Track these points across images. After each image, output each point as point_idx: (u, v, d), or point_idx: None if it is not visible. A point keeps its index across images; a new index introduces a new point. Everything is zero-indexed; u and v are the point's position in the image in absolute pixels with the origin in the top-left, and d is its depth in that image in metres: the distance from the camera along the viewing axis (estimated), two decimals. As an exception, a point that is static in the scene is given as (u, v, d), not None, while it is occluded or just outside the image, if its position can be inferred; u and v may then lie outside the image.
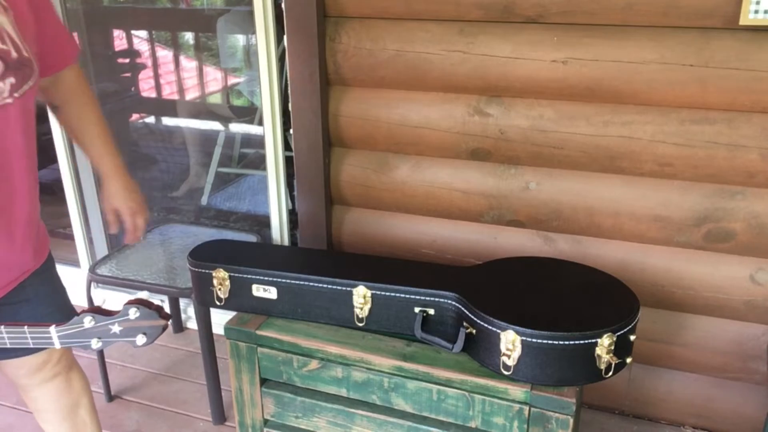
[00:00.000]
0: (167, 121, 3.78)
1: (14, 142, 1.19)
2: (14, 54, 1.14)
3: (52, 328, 0.98)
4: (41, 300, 1.37)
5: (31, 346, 0.99)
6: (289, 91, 2.00)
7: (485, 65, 1.78)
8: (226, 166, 3.55)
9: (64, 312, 1.42)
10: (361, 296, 1.58)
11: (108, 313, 0.97)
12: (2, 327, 0.97)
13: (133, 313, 0.96)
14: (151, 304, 0.99)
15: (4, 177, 1.19)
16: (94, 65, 3.05)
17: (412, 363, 1.50)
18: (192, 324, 2.56)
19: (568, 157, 1.81)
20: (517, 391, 1.41)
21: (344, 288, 1.60)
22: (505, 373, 1.41)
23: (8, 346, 0.99)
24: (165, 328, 0.99)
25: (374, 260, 1.80)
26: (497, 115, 1.83)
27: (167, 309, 2.52)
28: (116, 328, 0.97)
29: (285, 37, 1.94)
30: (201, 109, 3.90)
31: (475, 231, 1.99)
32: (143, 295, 1.00)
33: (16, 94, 1.16)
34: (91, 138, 1.45)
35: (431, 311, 1.55)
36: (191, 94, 4.02)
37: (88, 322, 0.97)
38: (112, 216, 1.50)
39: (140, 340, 0.97)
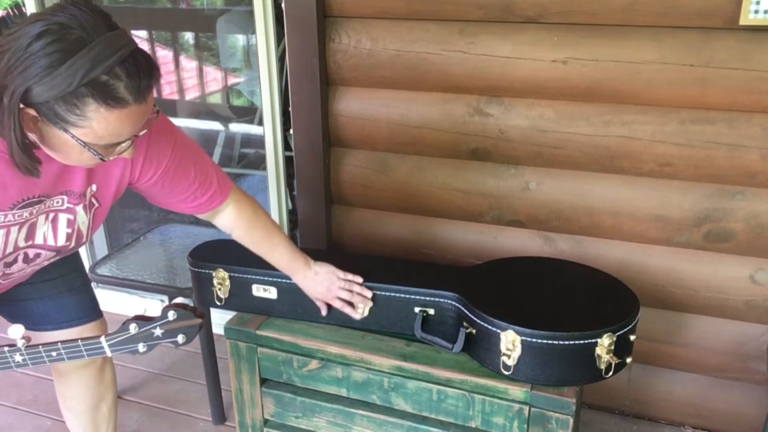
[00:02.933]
0: (167, 121, 3.77)
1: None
2: (72, 245, 1.23)
3: (103, 338, 1.07)
4: (46, 283, 1.43)
5: (86, 357, 1.09)
6: (289, 91, 2.00)
7: (485, 65, 1.78)
8: (226, 166, 3.54)
9: (77, 295, 1.49)
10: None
11: (149, 319, 1.07)
12: (59, 344, 1.07)
13: (172, 315, 1.05)
14: (186, 305, 1.08)
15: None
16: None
17: (412, 363, 1.50)
18: (192, 324, 2.56)
19: (568, 157, 1.80)
20: (517, 391, 1.41)
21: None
22: (505, 373, 1.41)
23: (66, 359, 1.09)
24: (201, 326, 1.09)
25: (374, 260, 1.80)
26: (497, 115, 1.83)
27: (167, 309, 2.52)
28: (158, 332, 1.07)
29: (285, 37, 1.94)
30: (201, 109, 3.90)
31: (475, 231, 1.99)
32: (178, 300, 1.07)
33: (54, 261, 1.29)
34: (270, 256, 1.52)
35: (431, 311, 1.55)
36: (191, 94, 4.02)
37: (133, 329, 1.06)
38: (320, 302, 1.59)
39: (181, 339, 1.07)
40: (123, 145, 1.03)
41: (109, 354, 1.10)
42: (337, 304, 1.56)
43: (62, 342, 1.10)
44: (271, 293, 1.65)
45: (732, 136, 1.65)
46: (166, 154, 1.27)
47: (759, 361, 1.83)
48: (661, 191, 1.76)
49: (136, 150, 1.16)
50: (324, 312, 1.60)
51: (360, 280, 1.55)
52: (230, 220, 1.45)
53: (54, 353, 1.10)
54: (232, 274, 1.67)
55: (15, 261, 1.18)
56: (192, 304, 1.11)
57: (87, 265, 2.66)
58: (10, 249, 1.14)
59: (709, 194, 1.72)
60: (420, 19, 1.81)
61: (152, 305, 2.59)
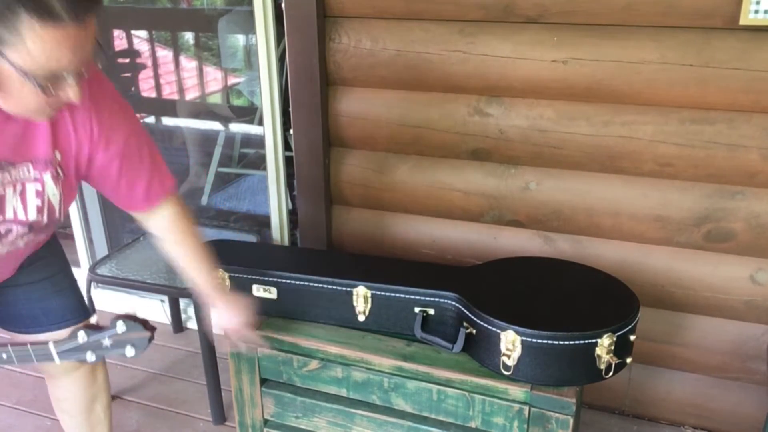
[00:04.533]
0: (167, 120, 3.78)
1: (23, 254, 1.31)
2: (45, 221, 1.19)
3: (51, 344, 1.06)
4: (34, 285, 1.42)
5: (35, 362, 1.07)
6: (289, 91, 2.00)
7: (485, 65, 1.78)
8: (226, 166, 3.54)
9: (63, 297, 1.47)
10: (361, 296, 1.58)
11: (99, 329, 1.05)
12: (9, 347, 1.05)
13: (120, 326, 1.04)
14: (137, 317, 1.06)
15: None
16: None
17: (412, 363, 1.50)
18: (192, 324, 2.56)
19: (568, 157, 1.80)
20: (517, 391, 1.41)
21: (344, 288, 1.60)
22: (505, 373, 1.41)
23: (16, 363, 1.07)
24: (151, 339, 1.07)
25: (374, 260, 1.80)
26: (497, 115, 1.83)
27: (167, 309, 2.52)
28: (107, 342, 1.05)
29: (285, 37, 1.94)
30: (201, 109, 3.90)
31: (475, 231, 1.99)
32: (129, 309, 1.08)
33: (30, 243, 1.24)
34: (194, 270, 1.42)
35: (431, 311, 1.55)
36: (191, 94, 4.02)
37: (81, 337, 1.05)
38: (231, 335, 1.52)
39: (129, 351, 1.06)
40: (67, 78, 0.98)
41: (57, 361, 1.08)
42: (251, 336, 1.52)
43: (12, 344, 1.08)
44: (271, 293, 1.65)
45: (732, 136, 1.65)
46: (123, 124, 1.23)
47: (759, 361, 1.83)
48: (661, 191, 1.76)
49: (92, 114, 1.14)
50: (239, 347, 1.56)
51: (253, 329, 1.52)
52: (168, 221, 1.37)
53: (4, 355, 1.08)
54: (232, 274, 1.67)
55: None
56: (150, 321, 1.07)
57: (87, 265, 2.66)
58: None
59: (709, 194, 1.72)
60: (420, 19, 1.81)
61: (151, 305, 2.59)
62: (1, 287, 1.38)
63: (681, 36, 1.60)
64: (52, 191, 1.17)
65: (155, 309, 2.59)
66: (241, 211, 3.36)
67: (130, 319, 1.05)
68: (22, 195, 1.14)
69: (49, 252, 1.45)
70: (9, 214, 1.14)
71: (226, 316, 1.46)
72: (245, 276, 1.65)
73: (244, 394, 1.69)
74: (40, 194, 1.16)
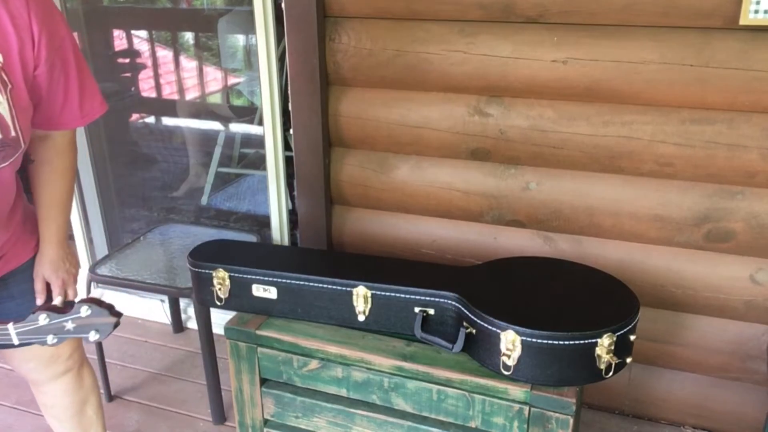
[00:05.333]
0: (167, 120, 3.78)
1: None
2: (0, 136, 1.10)
3: (10, 325, 1.02)
4: (26, 296, 1.38)
5: None
6: (289, 91, 2.00)
7: (485, 65, 1.78)
8: (226, 166, 3.54)
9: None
10: (361, 296, 1.58)
11: (62, 311, 1.02)
12: None
13: (85, 311, 1.01)
14: (102, 302, 1.03)
15: None
16: (94, 65, 3.05)
17: (412, 363, 1.50)
18: (192, 324, 2.56)
19: (568, 157, 1.80)
20: (517, 391, 1.41)
21: (344, 288, 1.60)
22: (505, 373, 1.41)
23: None
24: (117, 324, 1.04)
25: (374, 260, 1.80)
26: (497, 115, 1.83)
27: (167, 309, 2.52)
28: (70, 325, 1.02)
29: (285, 37, 1.94)
30: (201, 109, 3.90)
31: (475, 231, 1.99)
32: (96, 293, 1.02)
33: None
34: (47, 200, 1.35)
35: (431, 311, 1.55)
36: (191, 94, 4.02)
37: (42, 319, 1.02)
38: (41, 284, 1.39)
39: (92, 336, 1.03)
40: None
41: (16, 342, 1.04)
42: (59, 299, 1.36)
43: None
44: (271, 293, 1.65)
45: (732, 136, 1.65)
46: (60, 23, 1.15)
47: (759, 361, 1.83)
48: (661, 191, 1.76)
49: (29, 9, 1.08)
50: (40, 301, 1.42)
51: (74, 293, 1.44)
52: (61, 147, 1.29)
53: None
54: (232, 274, 1.67)
55: None
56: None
57: (87, 265, 2.66)
58: None
59: (709, 194, 1.72)
60: (420, 19, 1.81)
61: (151, 305, 2.60)
62: None
63: (681, 36, 1.60)
64: (0, 100, 1.07)
65: (155, 309, 2.59)
66: (241, 211, 3.36)
67: (95, 303, 1.03)
68: None
69: None
70: None
71: (46, 265, 1.38)
72: (245, 276, 1.66)
73: (244, 394, 1.69)
74: None
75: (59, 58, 1.16)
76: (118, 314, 1.05)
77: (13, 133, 1.10)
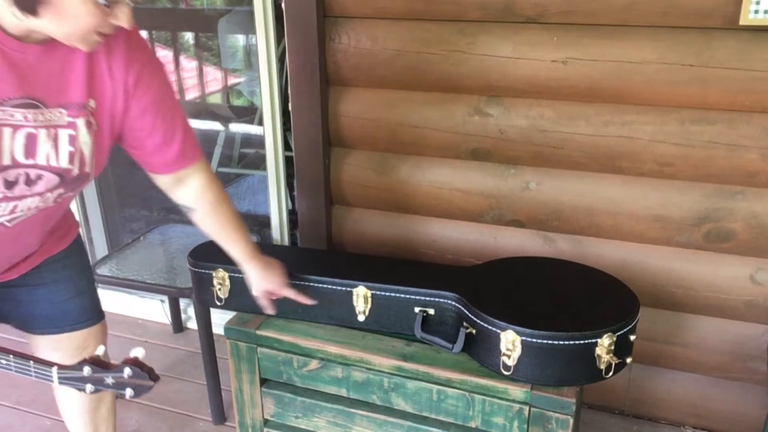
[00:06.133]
0: (167, 121, 3.78)
1: (51, 216, 1.30)
2: (75, 172, 1.18)
3: (54, 369, 1.08)
4: (59, 284, 1.42)
5: (33, 377, 1.09)
6: (289, 91, 2.00)
7: (485, 65, 1.78)
8: (226, 166, 3.54)
9: (82, 298, 1.48)
10: (361, 296, 1.58)
11: (105, 366, 1.08)
12: (11, 357, 1.08)
13: (127, 372, 1.07)
14: (144, 365, 1.09)
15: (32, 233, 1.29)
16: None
17: (412, 363, 1.50)
18: (192, 324, 2.56)
19: (568, 157, 1.80)
20: (517, 391, 1.41)
21: (344, 288, 1.60)
22: (505, 373, 1.41)
23: (13, 372, 1.10)
24: (151, 388, 1.10)
25: (374, 260, 1.80)
26: (497, 115, 1.83)
27: (167, 309, 2.53)
28: (109, 380, 1.08)
29: (285, 37, 1.94)
30: (201, 109, 3.90)
31: (475, 231, 1.99)
32: (139, 354, 1.09)
33: (59, 199, 1.23)
34: (222, 230, 1.45)
35: (431, 311, 1.55)
36: (191, 94, 4.02)
37: (86, 371, 1.07)
38: (265, 301, 1.56)
39: (128, 393, 1.09)
40: (122, 6, 1.01)
41: (55, 383, 1.11)
42: (292, 293, 1.55)
43: (15, 355, 1.10)
44: (271, 293, 1.65)
45: (732, 136, 1.65)
46: (158, 77, 1.24)
47: (759, 361, 1.83)
48: (661, 191, 1.76)
49: (128, 63, 1.17)
50: (271, 311, 1.59)
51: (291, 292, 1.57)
52: (196, 192, 1.37)
53: (2, 361, 1.10)
54: (232, 274, 1.67)
55: (16, 182, 1.12)
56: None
57: (87, 265, 2.66)
58: (6, 159, 1.08)
59: (709, 194, 1.72)
60: (420, 19, 1.81)
61: (151, 305, 2.59)
62: (27, 285, 1.38)
63: (681, 36, 1.60)
64: (84, 139, 1.16)
65: (155, 309, 2.59)
66: (241, 211, 3.34)
67: (137, 365, 1.08)
68: (55, 141, 1.13)
69: (75, 251, 1.46)
70: (41, 159, 1.13)
71: (262, 280, 1.51)
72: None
73: (244, 394, 1.69)
74: (72, 140, 1.15)
75: (155, 107, 1.25)
76: (156, 378, 1.10)
77: (87, 169, 1.20)
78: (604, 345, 1.36)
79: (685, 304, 1.84)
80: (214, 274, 1.69)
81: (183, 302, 2.55)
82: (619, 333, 1.37)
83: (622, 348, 1.39)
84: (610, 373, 1.39)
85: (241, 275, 1.66)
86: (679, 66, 1.62)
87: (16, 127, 1.07)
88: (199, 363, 2.13)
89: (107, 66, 1.16)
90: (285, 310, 1.65)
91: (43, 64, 1.08)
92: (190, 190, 1.37)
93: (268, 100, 2.16)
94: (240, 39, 3.52)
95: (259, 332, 1.62)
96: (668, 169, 1.73)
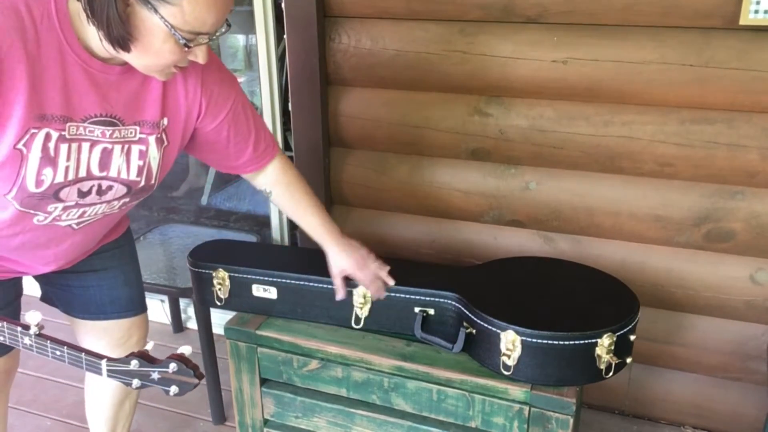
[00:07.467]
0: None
1: (113, 220, 1.38)
2: (142, 183, 1.25)
3: (104, 362, 1.10)
4: (108, 272, 1.48)
5: (84, 369, 1.12)
6: (289, 91, 2.00)
7: (485, 65, 1.78)
8: (226, 166, 3.54)
9: (130, 287, 1.53)
10: (361, 296, 1.58)
11: (152, 360, 1.09)
12: (65, 348, 1.10)
13: (173, 367, 1.07)
14: (189, 362, 1.10)
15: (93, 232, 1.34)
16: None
17: (412, 363, 1.50)
18: (192, 324, 2.56)
19: (568, 157, 1.81)
20: (517, 391, 1.41)
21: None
22: (505, 373, 1.41)
23: (66, 363, 1.12)
24: (196, 385, 1.10)
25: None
26: (497, 115, 1.83)
27: (167, 309, 2.53)
28: (155, 375, 1.09)
29: (285, 37, 1.94)
30: (201, 109, 3.89)
31: (475, 231, 1.99)
32: (187, 351, 1.10)
33: (123, 207, 1.29)
34: (305, 216, 1.51)
35: (431, 311, 1.55)
36: (191, 94, 4.01)
37: (134, 365, 1.08)
38: (339, 281, 1.54)
39: (173, 390, 1.10)
40: (202, 40, 1.04)
41: (104, 377, 1.13)
42: (368, 277, 1.52)
43: (69, 346, 1.12)
44: (271, 293, 1.65)
45: (732, 136, 1.65)
46: (231, 93, 1.31)
47: (759, 361, 1.83)
48: (661, 191, 1.76)
49: (202, 83, 1.24)
50: (341, 296, 1.56)
51: (388, 267, 1.54)
52: (274, 175, 1.46)
53: (57, 352, 1.12)
54: (232, 274, 1.67)
55: (89, 192, 1.18)
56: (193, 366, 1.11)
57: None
58: (83, 172, 1.14)
59: (709, 194, 1.72)
60: (420, 19, 1.81)
61: (151, 305, 2.59)
62: (78, 272, 1.42)
63: (681, 36, 1.60)
64: (154, 154, 1.23)
65: (155, 309, 2.59)
66: (241, 211, 3.35)
67: (183, 362, 1.09)
68: (128, 155, 1.20)
69: (125, 241, 1.52)
70: (113, 172, 1.19)
71: (340, 261, 1.51)
72: (245, 276, 1.65)
73: (244, 394, 1.69)
74: (143, 155, 1.21)
75: (232, 121, 1.33)
76: (201, 376, 1.12)
77: (153, 181, 1.26)
78: (604, 345, 1.36)
79: (685, 304, 1.84)
80: (214, 274, 1.69)
81: (183, 302, 2.55)
82: (619, 333, 1.37)
83: (622, 348, 1.39)
84: (610, 373, 1.39)
85: (241, 275, 1.66)
86: (680, 66, 1.62)
87: (94, 143, 1.14)
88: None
89: (183, 87, 1.23)
90: (285, 310, 1.66)
91: (123, 84, 1.13)
92: (269, 174, 1.46)
93: (268, 100, 2.16)
94: (240, 39, 3.52)
95: (259, 332, 1.62)
96: (668, 169, 1.73)
